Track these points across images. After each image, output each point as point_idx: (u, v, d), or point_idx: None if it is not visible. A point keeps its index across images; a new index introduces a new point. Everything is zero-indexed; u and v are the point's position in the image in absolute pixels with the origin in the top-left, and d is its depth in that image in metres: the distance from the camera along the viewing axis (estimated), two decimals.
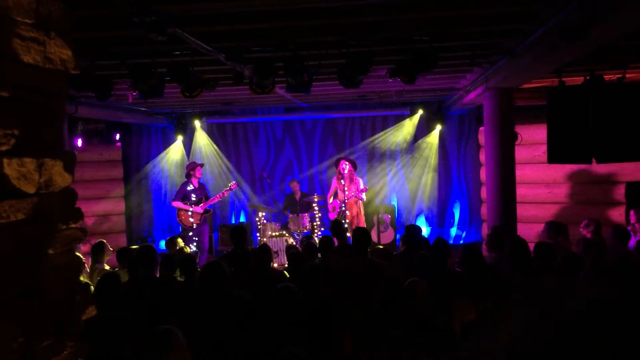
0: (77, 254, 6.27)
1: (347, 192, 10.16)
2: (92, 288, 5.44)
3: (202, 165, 10.73)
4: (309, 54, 6.19)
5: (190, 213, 10.01)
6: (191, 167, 10.36)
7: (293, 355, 3.21)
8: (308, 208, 10.97)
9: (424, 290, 4.41)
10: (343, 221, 9.95)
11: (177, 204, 10.11)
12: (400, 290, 4.55)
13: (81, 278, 5.60)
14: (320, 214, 10.64)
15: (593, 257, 5.19)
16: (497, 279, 4.88)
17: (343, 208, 10.11)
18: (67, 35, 1.75)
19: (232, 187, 10.47)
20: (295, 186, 11.48)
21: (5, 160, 1.49)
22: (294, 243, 9.81)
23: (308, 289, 4.67)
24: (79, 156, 9.73)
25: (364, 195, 10.43)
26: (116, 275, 5.36)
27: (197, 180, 10.28)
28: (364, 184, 10.96)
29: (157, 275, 5.72)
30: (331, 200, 10.75)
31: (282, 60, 6.12)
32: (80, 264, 5.72)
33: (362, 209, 10.68)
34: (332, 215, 10.60)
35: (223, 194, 10.44)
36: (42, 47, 1.64)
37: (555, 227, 6.96)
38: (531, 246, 5.74)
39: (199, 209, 10.05)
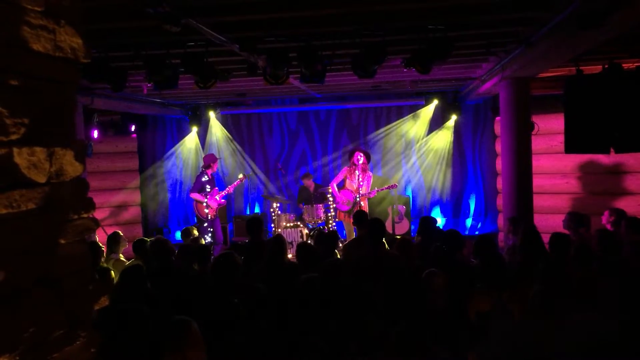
0: (98, 242, 6.33)
1: (362, 183, 10.07)
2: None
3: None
4: (323, 44, 6.16)
5: (205, 204, 10.06)
6: (211, 159, 10.42)
7: (314, 346, 3.21)
8: (322, 199, 10.94)
9: (441, 282, 4.40)
10: None
11: (195, 196, 10.17)
12: (417, 281, 4.53)
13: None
14: (335, 205, 10.60)
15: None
16: (510, 269, 4.86)
17: (358, 199, 10.03)
18: (77, 24, 1.74)
19: (240, 179, 10.56)
20: (307, 181, 11.43)
21: (15, 150, 1.49)
22: (308, 234, 9.82)
23: (329, 279, 4.65)
24: (95, 148, 9.85)
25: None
26: (140, 267, 5.30)
27: (211, 172, 10.34)
28: (379, 175, 10.89)
29: (174, 266, 5.76)
30: (337, 189, 10.60)
31: (295, 51, 6.09)
32: (98, 252, 5.71)
33: (367, 203, 10.61)
34: (343, 208, 10.45)
35: (234, 185, 10.58)
36: (52, 35, 1.63)
37: (577, 219, 6.85)
38: (548, 237, 5.71)
39: (214, 202, 10.11)
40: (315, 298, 4.19)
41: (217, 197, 10.18)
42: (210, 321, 3.84)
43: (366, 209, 10.34)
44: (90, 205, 1.84)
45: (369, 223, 6.00)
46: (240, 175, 10.70)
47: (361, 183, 10.05)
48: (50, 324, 1.64)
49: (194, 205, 10.33)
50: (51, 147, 1.64)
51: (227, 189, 10.52)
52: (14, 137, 1.48)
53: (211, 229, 10.11)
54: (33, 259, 1.59)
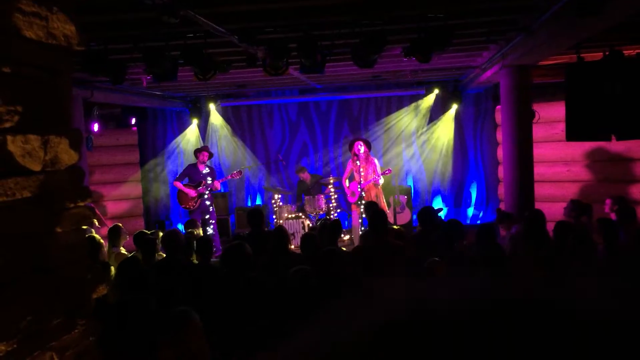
0: (96, 235, 6.35)
1: (363, 174, 10.02)
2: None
3: (209, 152, 10.46)
4: (322, 34, 6.13)
5: (187, 194, 9.97)
6: (198, 150, 10.30)
7: None
8: (320, 187, 10.95)
9: (442, 271, 4.40)
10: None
11: (177, 184, 10.07)
12: (418, 269, 4.53)
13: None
14: (336, 195, 10.59)
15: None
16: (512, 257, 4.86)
17: (359, 189, 10.00)
18: (70, 11, 1.72)
19: (233, 176, 10.51)
20: (303, 174, 11.40)
21: (9, 137, 1.48)
22: (310, 225, 9.83)
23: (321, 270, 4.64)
24: (96, 141, 9.83)
25: (380, 180, 10.24)
26: (136, 259, 5.37)
27: (203, 164, 10.21)
28: (380, 165, 10.84)
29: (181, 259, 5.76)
30: (347, 183, 10.58)
31: (295, 41, 6.07)
32: (98, 245, 5.70)
33: (381, 191, 10.48)
34: (353, 200, 10.43)
35: (225, 179, 10.68)
36: (45, 22, 1.62)
37: (579, 207, 6.83)
38: (550, 225, 5.70)
39: (193, 192, 9.97)
40: (306, 289, 4.16)
41: (199, 188, 10.06)
42: (214, 313, 3.85)
43: (377, 198, 10.24)
44: (86, 194, 1.83)
45: (370, 214, 5.99)
46: (235, 171, 10.70)
47: (363, 174, 10.00)
48: (48, 312, 1.63)
49: (177, 195, 10.22)
50: (46, 135, 1.63)
51: (215, 181, 10.32)
52: (7, 124, 1.48)
53: (213, 221, 10.09)
54: (29, 248, 1.59)
